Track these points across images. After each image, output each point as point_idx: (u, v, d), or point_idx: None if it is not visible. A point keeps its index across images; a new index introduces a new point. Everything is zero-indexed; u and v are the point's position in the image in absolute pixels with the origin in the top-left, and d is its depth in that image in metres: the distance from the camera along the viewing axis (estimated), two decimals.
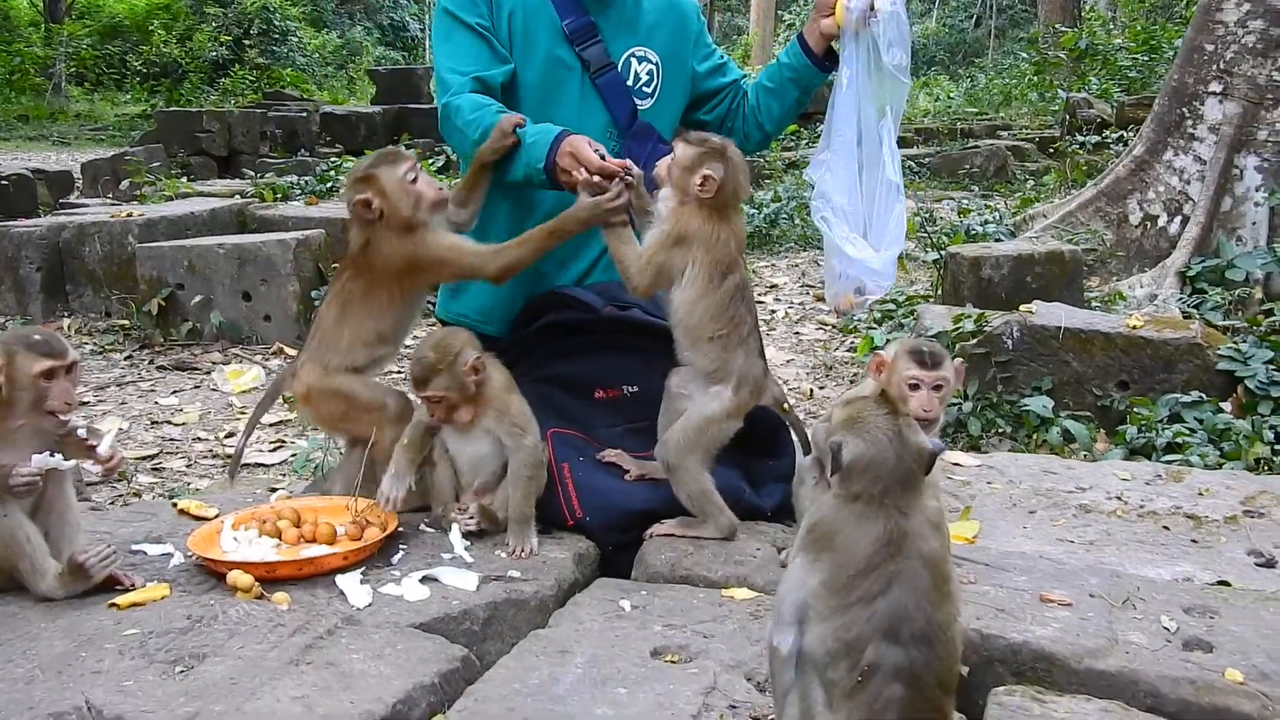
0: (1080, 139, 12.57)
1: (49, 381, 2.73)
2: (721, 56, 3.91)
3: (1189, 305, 6.93)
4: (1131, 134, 10.19)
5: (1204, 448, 4.53)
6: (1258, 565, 3.12)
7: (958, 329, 5.55)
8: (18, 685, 2.32)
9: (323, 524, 3.09)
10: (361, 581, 2.83)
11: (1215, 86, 8.01)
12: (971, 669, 2.56)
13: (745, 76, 3.91)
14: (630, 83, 3.65)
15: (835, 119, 3.46)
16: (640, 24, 3.70)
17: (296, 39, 30.09)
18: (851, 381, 6.14)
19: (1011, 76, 22.79)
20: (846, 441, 1.96)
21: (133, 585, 2.78)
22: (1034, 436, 4.98)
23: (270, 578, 2.82)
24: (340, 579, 2.84)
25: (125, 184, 11.88)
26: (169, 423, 5.53)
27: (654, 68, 3.69)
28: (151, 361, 6.72)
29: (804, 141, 14.57)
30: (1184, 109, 8.14)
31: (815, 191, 3.50)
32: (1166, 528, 3.37)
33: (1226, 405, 4.90)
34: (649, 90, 3.69)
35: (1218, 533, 3.33)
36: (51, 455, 2.71)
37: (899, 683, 1.86)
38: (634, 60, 3.66)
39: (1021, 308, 5.62)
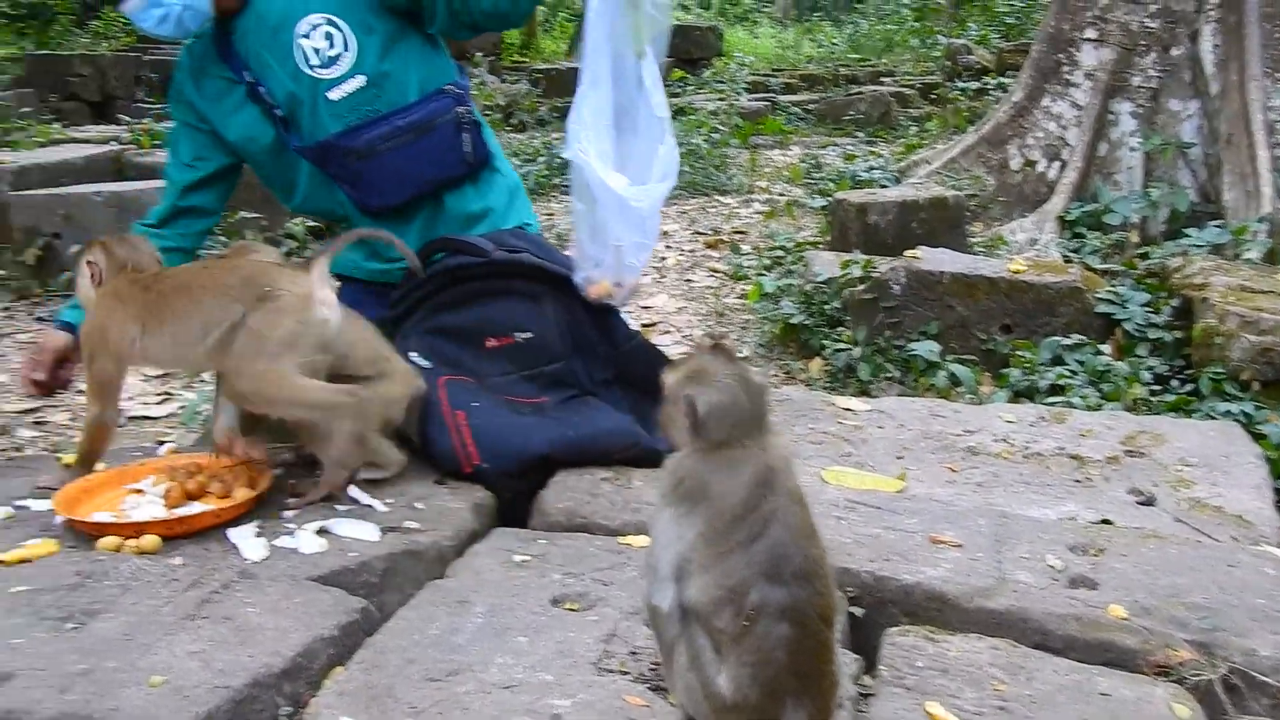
0: (961, 85, 12.74)
1: None
2: None
3: (1068, 249, 7.09)
4: (1011, 80, 10.35)
5: (1085, 389, 4.65)
6: (1138, 503, 3.21)
7: (846, 274, 5.61)
8: None
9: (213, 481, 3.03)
10: (256, 535, 2.79)
11: (1091, 33, 8.16)
12: (865, 610, 2.61)
13: None
14: (312, 62, 3.49)
15: (586, 54, 3.28)
16: (280, 8, 3.51)
17: None
18: (744, 328, 6.19)
19: (893, 23, 22.97)
20: (698, 395, 1.98)
21: None
22: (921, 380, 5.07)
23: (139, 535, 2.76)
24: (232, 533, 2.79)
25: None
26: None
27: (326, 26, 3.48)
28: (30, 313, 6.53)
29: (689, 88, 14.57)
30: (1061, 55, 8.29)
31: (571, 119, 3.28)
32: (1050, 468, 3.45)
33: (1106, 347, 5.03)
34: (335, 54, 3.48)
35: (1100, 472, 3.42)
36: None
37: (784, 622, 1.88)
38: (302, 41, 3.48)
39: (907, 253, 5.70)
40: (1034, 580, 2.63)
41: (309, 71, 3.49)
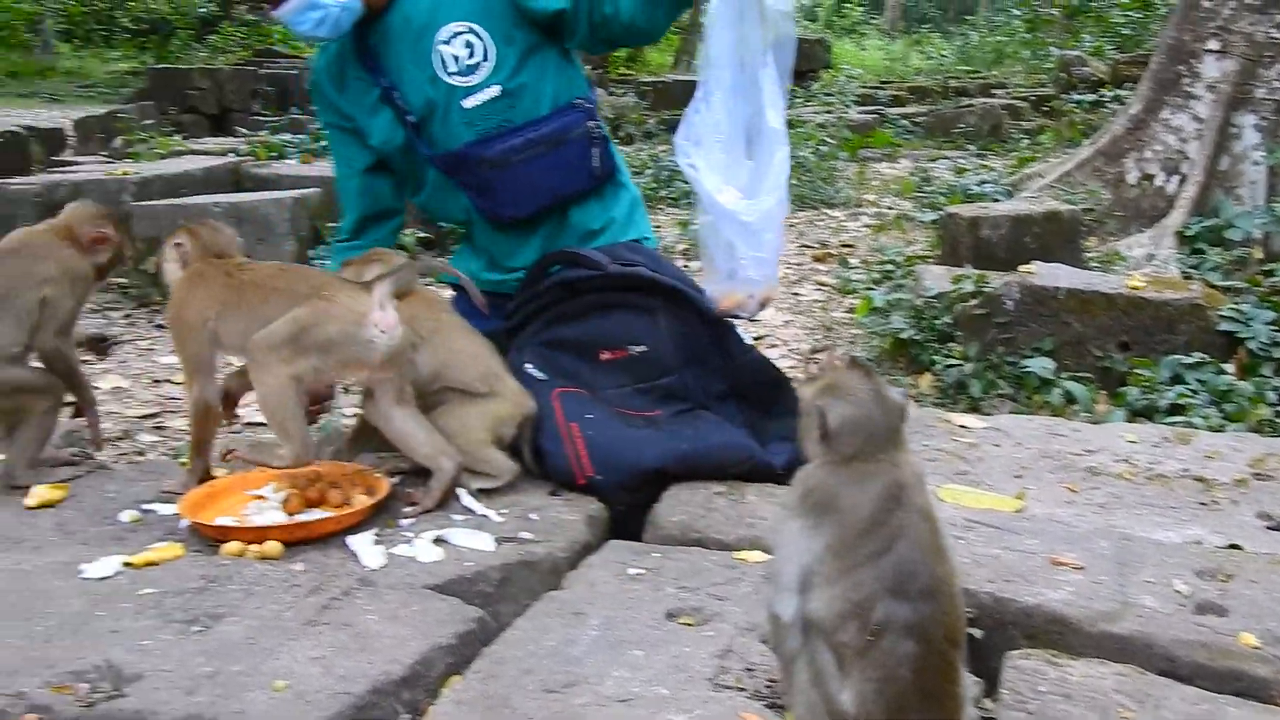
0: (1076, 97, 12.54)
1: None
2: None
3: (1188, 265, 6.93)
4: (1127, 92, 10.16)
5: (1206, 409, 4.53)
6: (1268, 528, 3.11)
7: (957, 289, 5.54)
8: (36, 644, 2.32)
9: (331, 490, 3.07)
10: (375, 543, 2.83)
11: (1213, 44, 7.99)
12: (985, 632, 2.57)
13: None
14: (450, 69, 3.52)
15: (708, 58, 3.24)
16: (425, 13, 3.54)
17: None
18: (851, 343, 6.14)
19: (1004, 34, 22.71)
20: (830, 406, 1.97)
21: None
22: (1034, 398, 4.98)
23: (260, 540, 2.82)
24: (351, 540, 2.83)
25: (118, 141, 11.79)
26: (169, 381, 5.50)
27: (468, 35, 3.51)
28: (150, 320, 6.70)
29: (798, 100, 14.51)
30: (1181, 67, 8.12)
31: (682, 132, 3.27)
32: (1175, 490, 3.37)
33: (1229, 367, 4.90)
34: (474, 63, 3.51)
35: (1227, 495, 3.33)
36: None
37: (910, 639, 1.86)
38: (442, 48, 3.52)
39: (1021, 268, 5.61)
40: (1159, 605, 2.56)
41: (446, 78, 3.54)
